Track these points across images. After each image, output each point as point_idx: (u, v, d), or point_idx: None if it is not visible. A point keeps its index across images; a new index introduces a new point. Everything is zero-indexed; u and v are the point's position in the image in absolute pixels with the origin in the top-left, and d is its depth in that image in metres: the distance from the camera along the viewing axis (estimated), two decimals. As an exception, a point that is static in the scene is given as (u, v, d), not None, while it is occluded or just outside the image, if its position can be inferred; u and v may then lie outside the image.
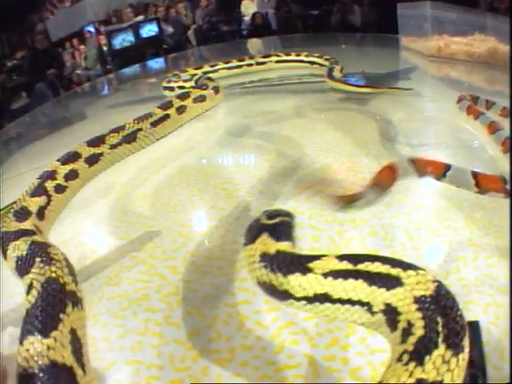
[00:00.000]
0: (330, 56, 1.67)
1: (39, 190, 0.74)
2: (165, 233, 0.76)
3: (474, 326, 0.40)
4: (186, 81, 1.39)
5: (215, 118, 1.32)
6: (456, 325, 0.32)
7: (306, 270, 0.40)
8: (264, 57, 1.71)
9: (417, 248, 0.66)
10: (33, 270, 0.45)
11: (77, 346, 0.38)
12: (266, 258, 0.43)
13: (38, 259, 0.47)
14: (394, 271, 0.37)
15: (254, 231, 0.49)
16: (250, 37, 4.94)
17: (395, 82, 1.64)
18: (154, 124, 0.98)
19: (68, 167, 0.81)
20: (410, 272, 0.36)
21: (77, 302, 0.43)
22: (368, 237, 0.69)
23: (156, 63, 3.65)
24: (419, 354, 0.31)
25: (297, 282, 0.40)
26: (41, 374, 0.34)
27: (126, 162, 0.95)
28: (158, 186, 0.95)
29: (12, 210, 0.68)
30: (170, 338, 0.54)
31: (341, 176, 0.88)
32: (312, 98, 1.43)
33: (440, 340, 0.31)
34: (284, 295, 0.41)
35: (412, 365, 0.30)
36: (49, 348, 0.35)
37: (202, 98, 1.15)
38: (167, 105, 1.06)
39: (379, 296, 0.37)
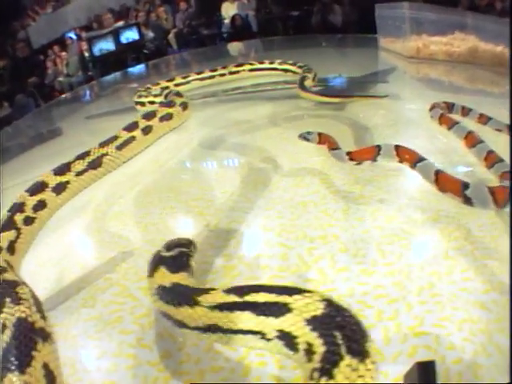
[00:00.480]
0: (303, 63, 1.65)
1: (8, 224, 0.75)
2: (137, 253, 0.76)
3: (429, 367, 0.38)
4: (156, 96, 1.37)
5: (189, 129, 1.31)
6: (354, 334, 0.35)
7: (193, 303, 0.43)
8: (237, 66, 1.69)
9: (389, 264, 0.65)
10: (4, 310, 0.48)
11: (50, 378, 0.42)
12: (161, 289, 0.47)
13: (8, 299, 0.49)
14: (281, 298, 0.39)
15: (154, 263, 0.53)
16: (231, 40, 4.94)
17: (373, 85, 1.63)
18: (120, 147, 0.99)
19: (36, 198, 0.83)
20: (297, 296, 0.39)
21: (46, 337, 0.46)
22: (338, 254, 0.68)
23: (137, 70, 3.63)
24: (327, 369, 0.32)
25: (187, 314, 0.43)
26: None
27: (102, 179, 0.97)
28: (132, 204, 0.94)
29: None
30: (144, 360, 0.54)
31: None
32: (286, 105, 1.42)
33: (343, 351, 0.33)
34: (180, 324, 0.45)
35: (323, 379, 0.32)
36: (26, 383, 0.39)
37: (168, 117, 1.13)
38: (133, 126, 1.05)
39: (269, 324, 0.39)
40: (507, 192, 0.69)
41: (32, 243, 0.79)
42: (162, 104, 1.17)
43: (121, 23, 6.41)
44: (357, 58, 2.50)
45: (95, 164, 0.94)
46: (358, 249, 0.68)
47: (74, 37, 7.06)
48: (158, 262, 0.53)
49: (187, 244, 0.57)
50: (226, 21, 6.00)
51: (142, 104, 1.44)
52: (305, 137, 0.95)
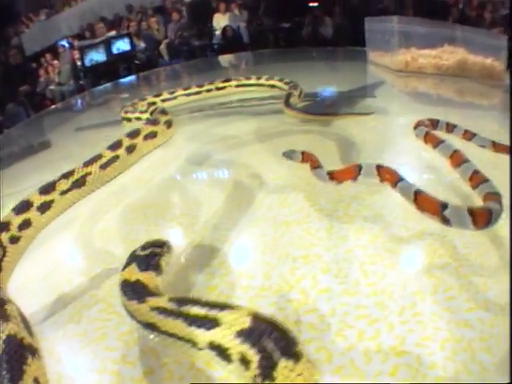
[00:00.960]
0: (290, 79, 1.67)
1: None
2: (122, 270, 0.76)
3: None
4: (142, 112, 1.37)
5: (176, 144, 1.31)
6: (284, 340, 0.39)
7: (141, 301, 0.50)
8: (224, 81, 1.69)
9: (371, 284, 0.65)
10: None
11: None
12: (125, 284, 0.54)
13: None
14: (211, 313, 0.44)
15: (128, 260, 0.60)
16: (222, 51, 4.96)
17: (361, 100, 1.64)
18: (104, 167, 1.01)
19: (21, 217, 0.85)
20: (226, 312, 0.44)
21: (34, 352, 0.48)
22: (320, 274, 0.68)
23: (128, 81, 3.64)
24: (268, 372, 0.37)
25: (134, 308, 0.51)
26: None
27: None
28: (118, 220, 0.94)
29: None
30: (127, 377, 0.55)
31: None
32: (273, 120, 1.42)
33: (278, 356, 0.37)
34: (131, 316, 0.52)
35: (267, 381, 0.36)
36: None
37: (153, 135, 1.14)
38: (117, 145, 1.06)
39: (199, 335, 0.44)
40: (488, 214, 0.69)
41: (18, 261, 0.80)
42: (146, 122, 1.18)
43: (113, 33, 6.41)
44: (346, 72, 2.51)
45: (79, 183, 0.96)
46: (340, 269, 0.68)
47: (66, 45, 7.05)
48: (131, 259, 0.59)
49: (161, 245, 0.63)
50: (218, 32, 6.02)
51: (129, 120, 1.44)
52: (288, 155, 0.96)
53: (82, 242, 0.89)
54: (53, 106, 3.05)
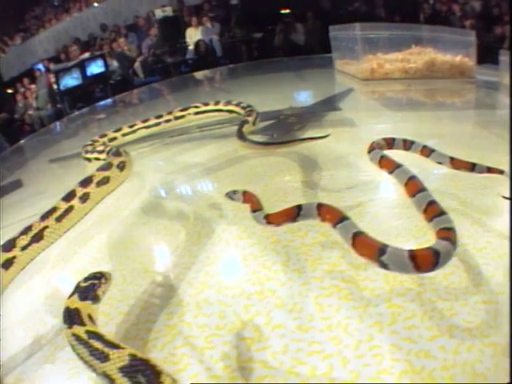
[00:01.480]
0: (247, 104, 1.65)
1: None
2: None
3: None
4: (100, 152, 1.37)
5: (140, 176, 1.32)
6: (151, 374, 0.51)
7: (69, 327, 0.60)
8: (182, 110, 1.68)
9: (326, 318, 0.65)
10: None
11: None
12: (65, 311, 0.63)
13: None
14: (105, 349, 0.56)
15: (73, 290, 0.68)
16: (196, 66, 4.97)
17: (327, 114, 1.65)
18: (59, 219, 1.02)
19: None
20: (114, 350, 0.55)
21: None
22: (274, 310, 0.68)
23: (103, 105, 3.64)
24: None
25: (64, 332, 0.61)
26: None
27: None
28: (84, 261, 0.95)
29: None
30: None
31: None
32: (233, 143, 1.39)
33: None
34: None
35: None
36: None
37: (105, 181, 1.14)
38: (70, 195, 1.07)
39: (95, 365, 0.55)
40: (434, 256, 0.63)
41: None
42: (98, 168, 1.18)
43: (87, 55, 6.37)
44: (315, 82, 2.53)
45: (38, 237, 0.98)
46: (295, 303, 0.69)
47: (42, 69, 7.02)
48: (75, 289, 0.68)
49: (99, 276, 0.70)
50: (191, 47, 6.04)
51: (89, 160, 1.44)
52: (230, 196, 0.92)
53: (55, 282, 0.92)
54: (25, 139, 3.02)
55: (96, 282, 0.69)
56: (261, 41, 5.62)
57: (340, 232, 0.71)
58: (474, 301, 0.64)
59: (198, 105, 1.70)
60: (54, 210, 1.03)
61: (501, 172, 0.89)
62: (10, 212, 1.33)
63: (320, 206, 0.76)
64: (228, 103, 1.68)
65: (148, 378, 0.51)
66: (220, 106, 1.68)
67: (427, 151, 0.98)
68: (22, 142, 2.88)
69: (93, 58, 5.95)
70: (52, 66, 6.79)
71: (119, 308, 0.76)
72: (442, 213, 0.73)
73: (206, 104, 1.71)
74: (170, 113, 1.68)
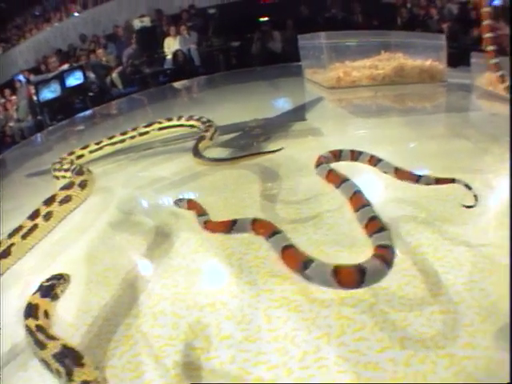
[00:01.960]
0: (207, 118, 1.71)
1: None
2: (58, 322, 0.78)
3: None
4: (66, 170, 1.40)
5: (109, 191, 1.34)
6: (76, 357, 0.62)
7: (26, 319, 0.71)
8: (146, 126, 1.74)
9: (274, 329, 0.67)
10: None
11: None
12: (27, 306, 0.74)
13: None
14: (44, 340, 0.66)
15: (37, 288, 0.78)
16: (175, 77, 4.98)
17: (293, 124, 1.68)
18: (24, 236, 1.08)
19: None
20: (51, 341, 0.65)
21: None
22: (224, 321, 0.71)
23: (83, 117, 3.65)
24: (69, 377, 0.60)
25: (26, 323, 0.70)
26: None
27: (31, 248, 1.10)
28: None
29: None
30: None
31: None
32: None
33: (72, 366, 0.61)
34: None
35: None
36: None
37: (67, 199, 1.20)
38: (35, 214, 1.13)
39: (37, 352, 0.65)
40: (359, 274, 0.66)
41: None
42: (61, 187, 1.24)
43: (65, 66, 6.34)
44: (288, 91, 2.55)
45: (5, 254, 1.03)
46: (244, 315, 0.71)
47: (23, 80, 6.98)
48: (38, 288, 0.78)
49: (59, 277, 0.81)
50: (169, 57, 6.05)
51: (57, 178, 1.48)
52: (177, 203, 1.03)
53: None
54: (6, 151, 3.02)
55: (56, 282, 0.80)
56: (239, 49, 5.64)
57: (272, 245, 0.77)
58: (430, 311, 0.64)
59: (161, 120, 1.75)
60: (20, 228, 1.09)
61: (452, 181, 0.87)
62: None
63: (254, 221, 0.83)
64: (190, 118, 1.73)
65: (73, 360, 0.61)
66: (182, 122, 1.73)
67: (375, 160, 0.99)
68: (3, 154, 2.88)
69: (71, 70, 5.93)
70: (32, 78, 6.76)
71: (84, 319, 0.79)
72: (381, 229, 0.75)
73: (170, 119, 1.77)
74: (134, 129, 1.72)
